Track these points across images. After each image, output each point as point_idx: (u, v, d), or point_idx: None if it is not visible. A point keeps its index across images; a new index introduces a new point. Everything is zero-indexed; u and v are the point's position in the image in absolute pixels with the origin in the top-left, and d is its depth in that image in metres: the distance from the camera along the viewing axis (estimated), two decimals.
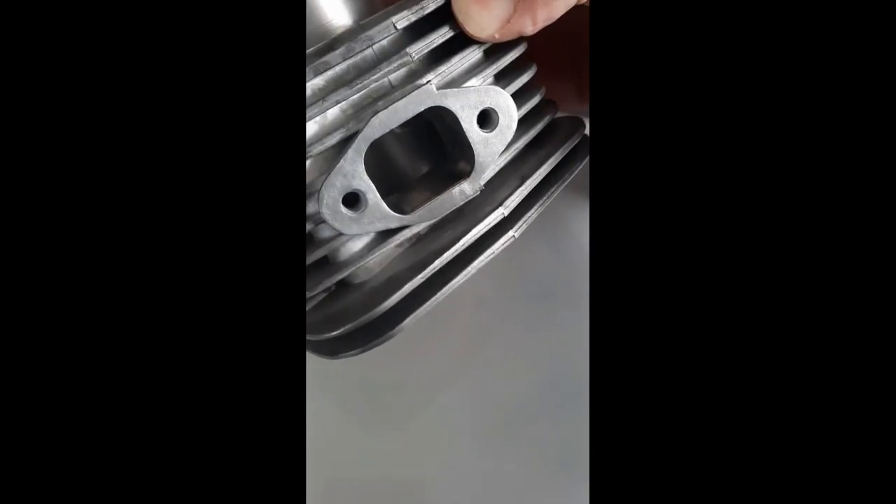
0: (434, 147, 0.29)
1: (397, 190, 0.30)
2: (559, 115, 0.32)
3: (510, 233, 0.26)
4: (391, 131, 0.29)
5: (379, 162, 0.31)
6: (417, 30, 0.25)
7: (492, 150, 0.26)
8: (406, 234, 0.26)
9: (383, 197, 0.30)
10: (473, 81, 0.26)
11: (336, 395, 0.42)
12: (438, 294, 0.25)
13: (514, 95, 0.29)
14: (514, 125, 0.26)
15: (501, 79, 0.29)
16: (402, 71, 0.25)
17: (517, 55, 0.28)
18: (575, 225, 0.43)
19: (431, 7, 0.25)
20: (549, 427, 0.41)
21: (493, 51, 0.28)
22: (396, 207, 0.26)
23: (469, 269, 0.25)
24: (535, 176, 0.27)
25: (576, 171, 0.29)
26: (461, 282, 0.25)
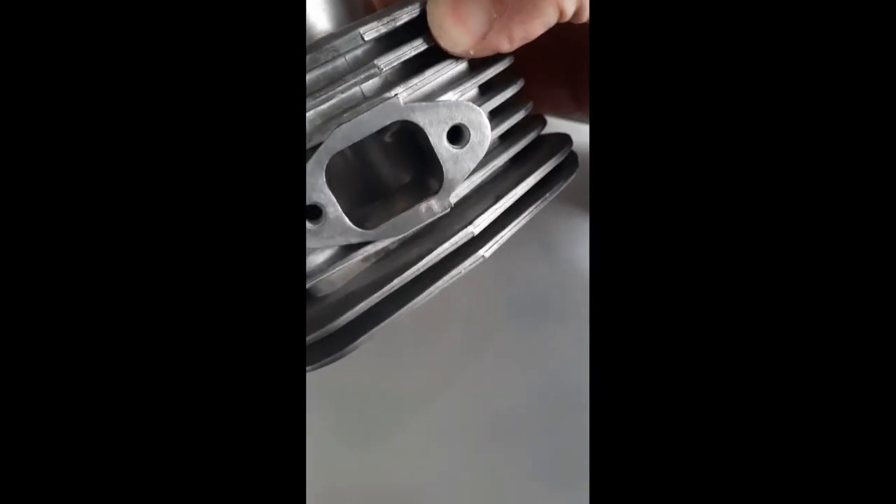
0: (419, 158, 0.29)
1: (378, 199, 0.29)
2: (548, 131, 0.31)
3: (479, 252, 0.25)
4: (379, 139, 0.29)
5: (361, 169, 0.31)
6: (391, 41, 0.25)
7: (462, 167, 0.25)
8: (370, 249, 0.25)
9: (358, 207, 0.30)
10: (450, 95, 0.25)
11: (327, 405, 0.42)
12: (397, 313, 0.24)
13: (497, 110, 0.28)
14: (487, 142, 0.25)
15: (486, 92, 0.28)
16: (375, 82, 0.25)
17: (500, 69, 0.28)
18: (566, 235, 0.42)
19: (405, 19, 0.24)
20: (542, 437, 0.41)
21: (477, 64, 0.27)
22: (360, 221, 0.25)
23: (432, 288, 0.25)
24: (509, 195, 0.26)
25: (558, 191, 0.28)
26: (423, 301, 0.25)
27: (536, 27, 0.24)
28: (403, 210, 0.25)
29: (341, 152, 0.28)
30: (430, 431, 0.42)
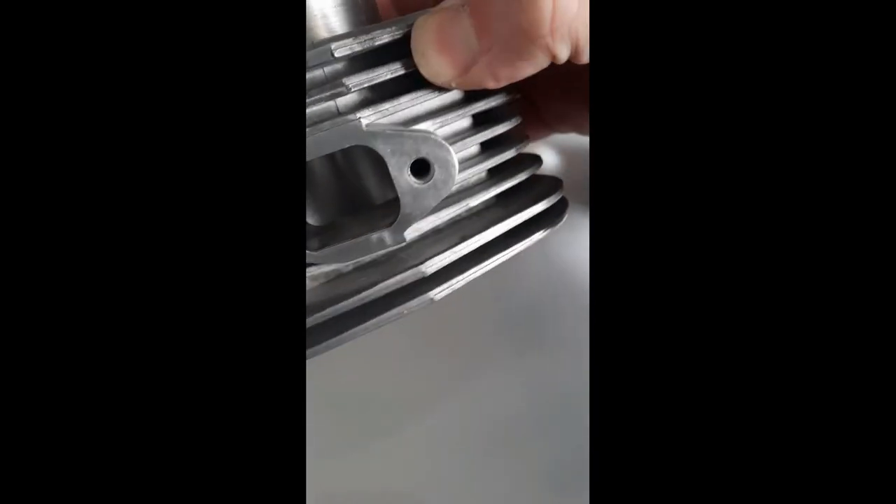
0: None
1: (360, 210, 0.28)
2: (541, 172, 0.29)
3: (428, 295, 0.24)
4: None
5: (349, 177, 0.30)
6: (371, 60, 0.23)
7: (421, 203, 0.24)
8: (314, 270, 0.24)
9: (338, 215, 0.29)
10: (428, 125, 0.24)
11: (324, 409, 0.41)
12: (324, 344, 0.23)
13: (492, 143, 0.27)
14: (452, 182, 0.24)
15: (481, 124, 0.27)
16: (352, 98, 0.24)
17: (494, 103, 0.26)
18: (567, 235, 0.41)
19: (385, 40, 0.23)
20: (540, 443, 0.41)
21: (472, 93, 0.26)
22: (318, 235, 0.24)
23: (370, 323, 0.23)
24: (476, 238, 0.25)
25: (534, 240, 0.27)
26: (357, 337, 0.24)
27: (525, 69, 0.23)
28: (355, 237, 0.24)
29: (331, 155, 0.27)
30: (427, 437, 0.42)
